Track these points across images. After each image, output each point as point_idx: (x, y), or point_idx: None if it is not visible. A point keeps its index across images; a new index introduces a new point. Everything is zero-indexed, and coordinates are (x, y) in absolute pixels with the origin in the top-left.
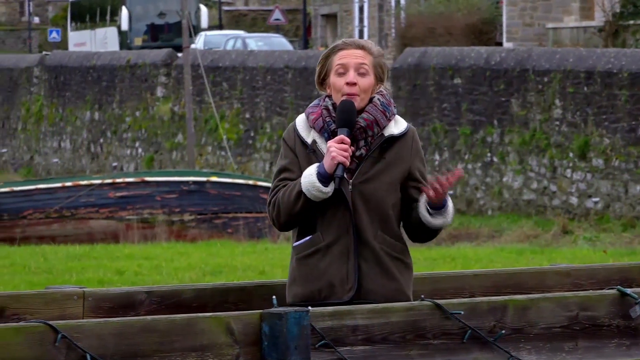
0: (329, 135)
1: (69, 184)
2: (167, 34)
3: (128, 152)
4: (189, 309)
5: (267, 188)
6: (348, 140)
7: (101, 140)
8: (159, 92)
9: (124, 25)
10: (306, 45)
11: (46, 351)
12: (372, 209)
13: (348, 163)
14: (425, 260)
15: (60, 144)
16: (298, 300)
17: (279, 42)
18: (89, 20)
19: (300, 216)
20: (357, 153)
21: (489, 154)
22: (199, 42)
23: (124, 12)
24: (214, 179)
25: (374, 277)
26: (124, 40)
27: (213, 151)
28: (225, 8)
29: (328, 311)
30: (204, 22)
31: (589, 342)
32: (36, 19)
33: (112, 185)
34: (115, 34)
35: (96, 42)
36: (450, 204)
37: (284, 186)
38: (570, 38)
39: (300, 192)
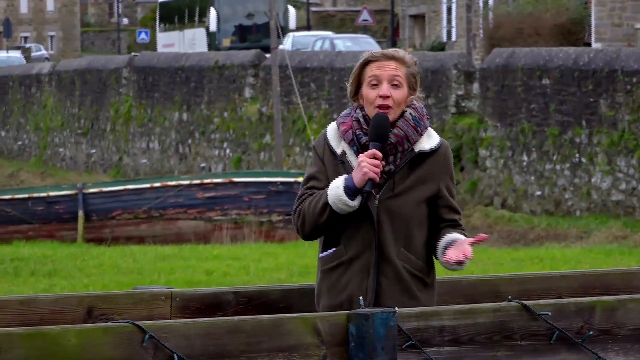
0: (358, 148)
1: (157, 184)
2: (255, 34)
3: (216, 152)
4: (276, 310)
5: None
6: (380, 155)
7: (189, 141)
8: (247, 93)
9: (213, 26)
10: (394, 46)
11: (134, 351)
12: (397, 226)
13: (378, 179)
14: (512, 261)
15: (148, 144)
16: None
17: (367, 43)
18: (177, 21)
19: (325, 227)
20: (386, 168)
21: (577, 155)
22: (287, 43)
23: (213, 13)
24: (302, 179)
25: (394, 294)
26: (213, 41)
27: (301, 152)
28: (313, 9)
29: (415, 312)
30: (292, 23)
31: None
32: (125, 20)
33: (200, 185)
34: (203, 35)
35: (185, 43)
36: (468, 260)
37: (310, 195)
38: None
39: (326, 204)
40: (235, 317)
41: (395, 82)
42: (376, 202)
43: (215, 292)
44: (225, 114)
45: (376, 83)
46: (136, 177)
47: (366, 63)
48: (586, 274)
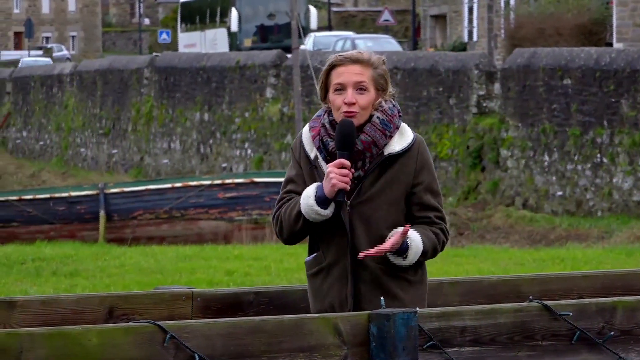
0: (326, 155)
1: (178, 184)
2: (276, 35)
3: (237, 153)
4: (297, 310)
5: None
6: (348, 164)
7: (211, 141)
8: (269, 93)
9: (234, 27)
10: (415, 46)
11: (155, 351)
12: (371, 230)
13: (348, 188)
14: (534, 261)
15: (170, 144)
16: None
17: (388, 43)
18: (198, 21)
19: (302, 234)
20: (355, 174)
21: (598, 155)
22: (308, 43)
23: (234, 13)
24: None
25: (373, 298)
26: (234, 42)
27: None
28: (335, 9)
29: (436, 312)
30: (314, 23)
31: None
32: (146, 21)
33: (222, 186)
34: (225, 35)
35: (206, 43)
36: (413, 248)
37: (288, 200)
38: None
39: (300, 213)
40: (257, 317)
41: (361, 87)
42: (348, 208)
43: (237, 292)
44: (247, 114)
45: (341, 89)
46: (157, 178)
47: (331, 67)
48: (607, 274)
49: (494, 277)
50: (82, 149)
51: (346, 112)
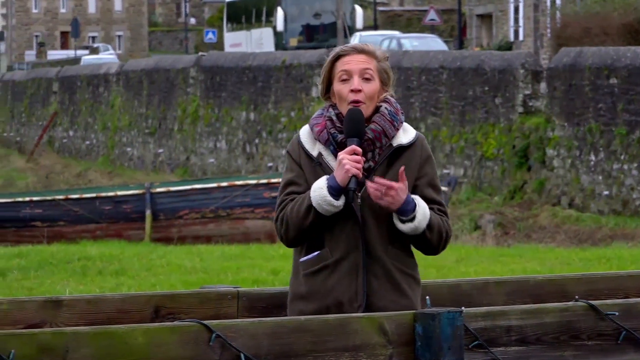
0: (336, 147)
1: (224, 184)
2: (322, 34)
3: (283, 152)
4: None
5: None
6: (360, 150)
7: (256, 140)
8: (314, 92)
9: (280, 26)
10: (461, 45)
11: (200, 351)
12: (383, 223)
13: (361, 175)
14: (580, 260)
15: (216, 144)
16: None
17: (434, 43)
18: (244, 21)
19: (310, 231)
20: (365, 165)
21: None
22: (353, 43)
23: (280, 13)
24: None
25: (385, 293)
26: (280, 41)
27: None
28: (380, 8)
29: (482, 312)
30: (359, 22)
31: None
32: (192, 20)
33: (268, 185)
34: (270, 34)
35: (252, 42)
36: (419, 209)
37: (292, 200)
38: None
39: (310, 207)
40: (302, 317)
41: (367, 76)
42: (359, 200)
43: (282, 292)
44: (292, 114)
45: (347, 77)
46: (203, 177)
47: (336, 58)
48: None
49: (539, 276)
50: (128, 149)
51: (353, 101)
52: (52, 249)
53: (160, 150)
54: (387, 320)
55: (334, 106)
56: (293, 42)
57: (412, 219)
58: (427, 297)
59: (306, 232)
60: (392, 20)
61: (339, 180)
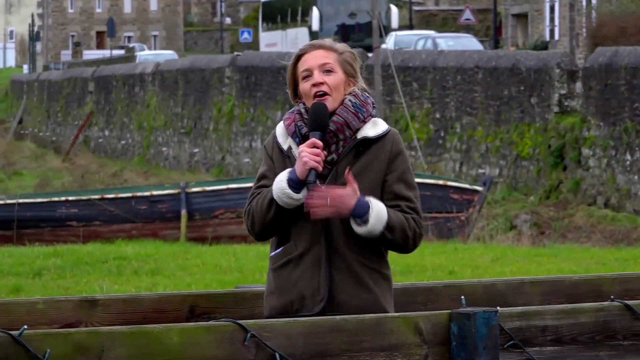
0: (300, 139)
1: None
2: (357, 34)
3: None
4: None
5: (457, 188)
6: (320, 144)
7: None
8: None
9: (315, 26)
10: (497, 45)
11: (235, 350)
12: (346, 216)
13: (321, 168)
14: (615, 260)
15: (251, 144)
16: (274, 313)
17: (470, 42)
18: (280, 20)
19: (274, 224)
20: (329, 158)
21: None
22: (389, 42)
23: (315, 12)
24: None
25: (347, 287)
26: None
27: None
28: (416, 8)
29: (517, 311)
30: (395, 22)
31: None
32: (228, 20)
33: None
34: (306, 34)
35: (287, 42)
36: (373, 212)
37: (259, 194)
38: None
39: (272, 200)
40: (337, 316)
41: (327, 68)
42: None
43: None
44: None
45: (309, 75)
46: (239, 176)
47: (297, 60)
48: None
49: (575, 276)
50: (164, 148)
51: (316, 92)
52: (87, 248)
53: (196, 150)
54: (423, 320)
55: (305, 103)
56: None
57: (366, 223)
58: (462, 297)
59: (271, 225)
60: (428, 20)
61: (298, 173)
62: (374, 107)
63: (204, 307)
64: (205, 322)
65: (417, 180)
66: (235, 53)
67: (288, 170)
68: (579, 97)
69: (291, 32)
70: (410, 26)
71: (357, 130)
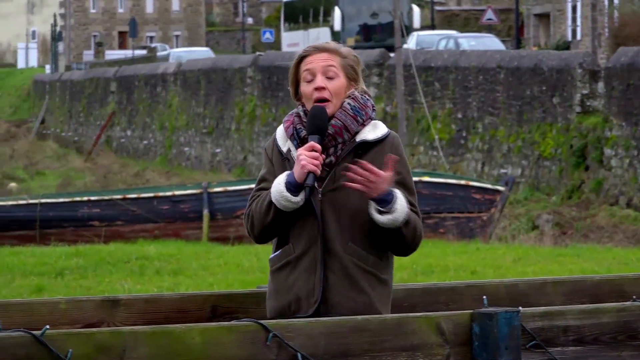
0: (299, 142)
1: None
2: (379, 34)
3: None
4: (399, 309)
5: (479, 188)
6: (319, 147)
7: None
8: (371, 92)
9: (337, 26)
10: (519, 45)
11: (258, 350)
12: (343, 219)
13: (319, 172)
14: (638, 260)
15: None
16: (273, 315)
17: (492, 42)
18: (302, 20)
19: (273, 227)
20: (327, 160)
21: None
22: (411, 42)
23: (337, 12)
24: (426, 178)
25: (341, 289)
26: (337, 41)
27: (425, 151)
28: (438, 8)
29: (539, 311)
30: (416, 22)
31: None
32: (250, 20)
33: None
34: (327, 34)
35: (309, 42)
36: (398, 200)
37: (259, 197)
38: None
39: (271, 203)
40: (359, 316)
41: (330, 74)
42: (319, 195)
43: None
44: None
45: (311, 77)
46: None
47: (300, 60)
48: None
49: (597, 276)
50: (186, 148)
51: (317, 97)
52: (109, 248)
53: (218, 150)
54: (445, 320)
55: (304, 105)
56: (350, 41)
57: (391, 211)
58: (484, 297)
59: (270, 228)
60: (450, 20)
61: (296, 176)
62: (373, 109)
63: (226, 307)
64: (227, 322)
65: (439, 180)
66: (258, 53)
67: (286, 173)
68: (601, 97)
69: (313, 32)
70: (432, 26)
71: (356, 133)
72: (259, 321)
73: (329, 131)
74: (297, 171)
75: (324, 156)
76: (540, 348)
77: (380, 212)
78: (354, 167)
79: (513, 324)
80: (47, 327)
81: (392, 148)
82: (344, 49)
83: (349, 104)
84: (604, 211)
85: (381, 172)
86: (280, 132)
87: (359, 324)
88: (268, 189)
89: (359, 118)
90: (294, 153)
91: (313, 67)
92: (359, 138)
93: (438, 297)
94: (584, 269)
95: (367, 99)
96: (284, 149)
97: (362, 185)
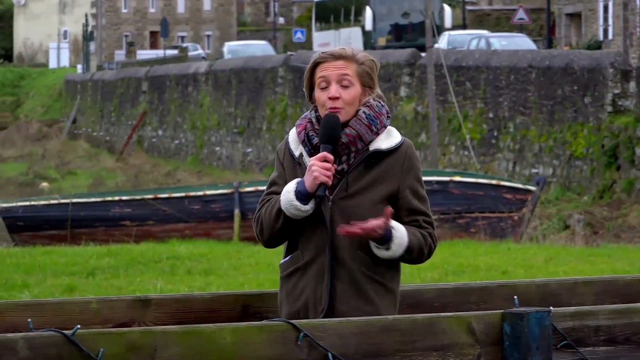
0: (310, 149)
1: None
2: (410, 33)
3: None
4: (430, 309)
5: (510, 188)
6: (331, 157)
7: None
8: (402, 91)
9: (368, 26)
10: (550, 44)
11: (288, 350)
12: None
13: (330, 182)
14: None
15: None
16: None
17: (523, 42)
18: (333, 20)
19: (282, 233)
20: (339, 168)
21: None
22: (442, 42)
23: (368, 12)
24: (457, 178)
25: (348, 298)
26: (368, 40)
27: (456, 151)
28: (469, 8)
29: (570, 311)
30: (448, 21)
31: None
32: (281, 20)
33: None
34: (359, 34)
35: (340, 42)
36: (396, 240)
37: (269, 201)
38: None
39: (280, 210)
40: (390, 316)
41: (345, 83)
42: (329, 203)
43: None
44: None
45: (325, 85)
46: None
47: (315, 65)
48: None
49: (628, 276)
50: (217, 148)
51: (331, 108)
52: (141, 248)
53: (249, 150)
54: (475, 320)
55: (317, 109)
56: (381, 41)
57: (389, 248)
58: (515, 297)
59: (279, 234)
60: (481, 20)
61: (307, 186)
62: (388, 116)
63: (257, 306)
64: (257, 322)
65: (470, 180)
66: (289, 53)
67: (296, 180)
68: (633, 96)
69: (344, 31)
70: (464, 26)
71: (370, 142)
72: (289, 321)
73: (343, 140)
74: (308, 181)
75: (336, 166)
76: (571, 348)
77: (378, 247)
78: (343, 230)
79: (544, 324)
80: (78, 326)
81: (407, 157)
82: (360, 55)
83: (364, 112)
84: (636, 211)
85: (371, 225)
86: (292, 135)
87: (390, 324)
88: (278, 193)
89: (373, 127)
90: (306, 159)
91: (328, 75)
92: (372, 147)
93: (469, 297)
94: (615, 269)
95: (382, 106)
96: (296, 153)
97: (357, 234)
